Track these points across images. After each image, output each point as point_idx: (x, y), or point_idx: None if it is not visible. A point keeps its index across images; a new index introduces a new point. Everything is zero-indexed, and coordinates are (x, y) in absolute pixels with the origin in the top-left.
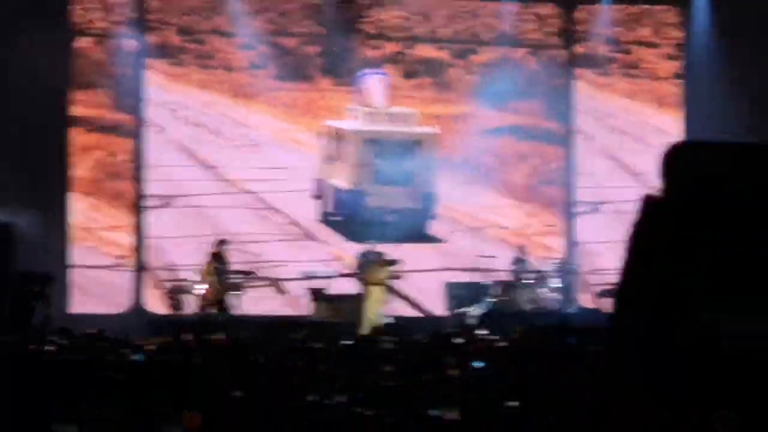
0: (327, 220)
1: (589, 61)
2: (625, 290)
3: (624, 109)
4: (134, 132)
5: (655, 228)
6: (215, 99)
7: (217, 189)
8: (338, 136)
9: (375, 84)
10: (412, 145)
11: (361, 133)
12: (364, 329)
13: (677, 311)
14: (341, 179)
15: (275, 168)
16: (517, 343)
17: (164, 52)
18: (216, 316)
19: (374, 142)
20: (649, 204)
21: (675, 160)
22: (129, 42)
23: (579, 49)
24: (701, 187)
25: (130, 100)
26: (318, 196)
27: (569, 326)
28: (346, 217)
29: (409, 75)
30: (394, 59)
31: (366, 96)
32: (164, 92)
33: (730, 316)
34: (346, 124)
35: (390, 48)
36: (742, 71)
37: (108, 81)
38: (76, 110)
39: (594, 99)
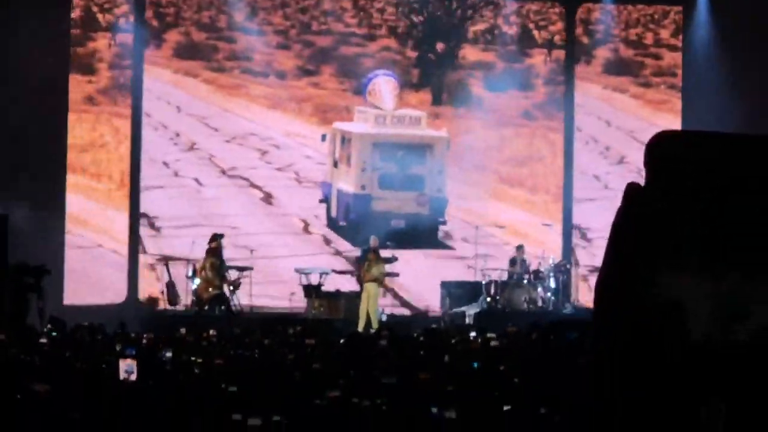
0: (333, 224)
1: (590, 60)
2: (607, 276)
3: (625, 109)
4: (134, 124)
5: (636, 214)
6: (218, 94)
7: (218, 182)
8: (345, 138)
9: (384, 86)
10: (422, 148)
11: (369, 136)
12: (359, 327)
13: (653, 296)
14: (347, 183)
15: (286, 167)
16: (516, 340)
17: (162, 43)
18: (214, 311)
19: (382, 146)
20: (632, 192)
21: (657, 148)
22: (130, 35)
23: (580, 48)
24: (682, 175)
25: (131, 92)
26: (324, 200)
27: (570, 321)
28: (351, 222)
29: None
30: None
31: (375, 98)
32: (165, 84)
33: (702, 301)
34: (354, 126)
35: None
36: (740, 71)
37: (109, 73)
38: (76, 103)
39: (595, 98)
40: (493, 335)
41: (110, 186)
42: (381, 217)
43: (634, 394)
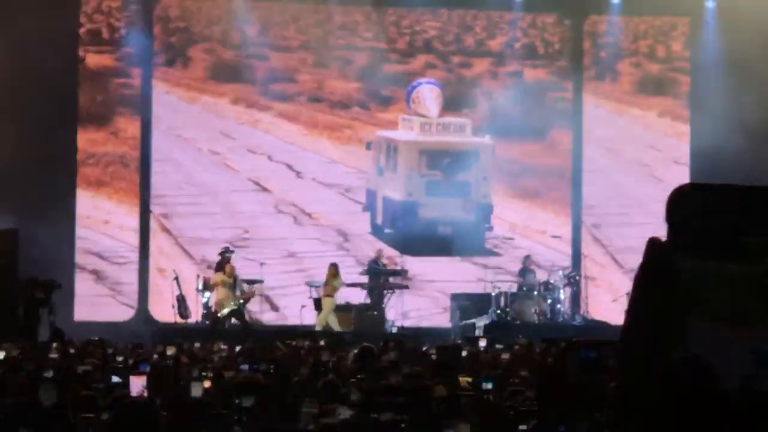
0: (378, 232)
1: (598, 74)
2: (631, 333)
3: (632, 122)
4: (143, 134)
5: (660, 271)
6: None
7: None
8: (391, 146)
9: (428, 94)
10: (468, 155)
11: (415, 143)
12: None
13: (677, 352)
14: (394, 190)
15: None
16: (526, 355)
17: (172, 58)
18: (224, 326)
19: (428, 153)
20: (655, 247)
21: (677, 203)
22: (138, 49)
23: (587, 61)
24: (704, 231)
25: (140, 108)
26: (368, 209)
27: (588, 340)
28: (398, 229)
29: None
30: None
31: (419, 106)
32: (175, 99)
33: (734, 353)
34: (399, 134)
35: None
36: (747, 81)
37: (118, 88)
38: (85, 117)
39: (602, 112)
40: (501, 347)
41: (120, 200)
42: (428, 223)
43: None
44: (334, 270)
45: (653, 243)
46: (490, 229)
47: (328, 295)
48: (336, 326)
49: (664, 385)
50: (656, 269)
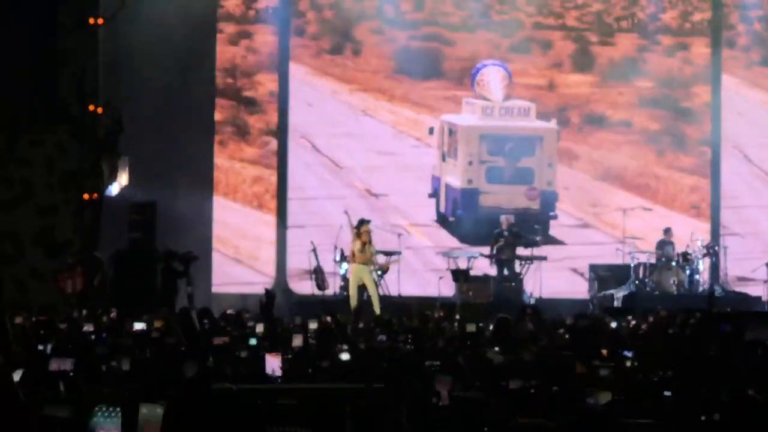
0: (442, 220)
1: (737, 53)
2: None
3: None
4: (277, 130)
5: None
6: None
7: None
8: (452, 131)
9: (493, 76)
10: (531, 140)
11: (475, 128)
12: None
13: None
14: (455, 177)
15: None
16: (665, 326)
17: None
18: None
19: (489, 138)
20: None
21: None
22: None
23: (727, 36)
24: None
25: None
26: (434, 195)
27: (725, 312)
28: (458, 218)
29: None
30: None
31: (483, 89)
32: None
33: None
34: (460, 118)
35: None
36: None
37: (249, 76)
38: (221, 91)
39: (738, 92)
40: (630, 317)
41: (257, 176)
42: (489, 212)
43: None
44: (368, 235)
45: None
46: (555, 217)
47: (362, 262)
48: (377, 305)
49: None
50: None
